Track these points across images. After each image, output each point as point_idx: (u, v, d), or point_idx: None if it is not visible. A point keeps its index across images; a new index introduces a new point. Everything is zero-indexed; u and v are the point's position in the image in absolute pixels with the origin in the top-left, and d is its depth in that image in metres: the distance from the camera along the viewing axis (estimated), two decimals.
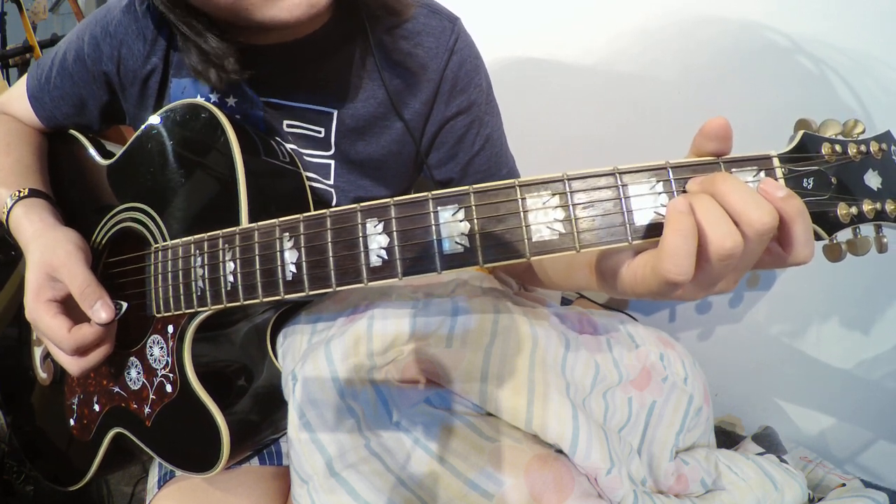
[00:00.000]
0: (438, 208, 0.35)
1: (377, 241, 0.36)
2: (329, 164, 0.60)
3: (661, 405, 0.60)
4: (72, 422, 0.61)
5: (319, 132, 0.59)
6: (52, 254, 0.50)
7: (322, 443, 0.52)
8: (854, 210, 0.33)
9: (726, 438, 0.97)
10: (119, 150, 0.61)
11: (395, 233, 0.36)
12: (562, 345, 0.58)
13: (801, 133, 0.34)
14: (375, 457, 0.51)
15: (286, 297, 0.41)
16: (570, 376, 0.56)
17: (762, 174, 0.32)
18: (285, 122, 0.58)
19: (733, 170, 0.32)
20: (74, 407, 0.61)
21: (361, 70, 0.57)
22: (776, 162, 0.32)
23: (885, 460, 0.91)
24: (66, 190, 0.64)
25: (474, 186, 0.34)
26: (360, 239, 0.37)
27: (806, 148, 0.33)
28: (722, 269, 0.30)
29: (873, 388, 0.90)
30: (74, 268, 0.49)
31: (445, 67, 0.58)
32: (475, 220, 0.34)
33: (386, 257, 0.36)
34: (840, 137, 0.34)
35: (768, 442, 0.79)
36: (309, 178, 0.59)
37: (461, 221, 0.34)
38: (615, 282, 0.37)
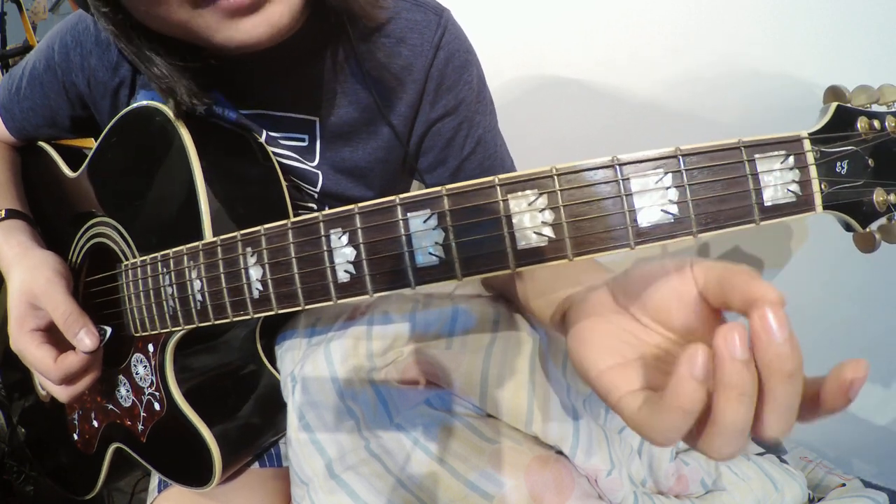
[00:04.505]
0: (408, 215, 0.30)
1: (343, 254, 0.32)
2: (315, 173, 0.57)
3: None
4: (75, 436, 0.61)
5: (303, 140, 0.56)
6: (32, 281, 0.49)
7: (322, 444, 0.53)
8: (892, 198, 0.29)
9: None
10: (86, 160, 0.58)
11: (361, 245, 0.32)
12: (563, 346, 0.58)
13: (833, 106, 0.29)
14: (375, 458, 0.51)
15: (256, 315, 0.38)
16: (570, 378, 0.56)
17: (791, 159, 0.27)
18: (266, 132, 0.56)
19: (756, 155, 0.27)
20: (76, 422, 0.60)
21: (343, 74, 0.54)
22: (807, 145, 0.28)
23: (885, 460, 0.91)
24: (39, 204, 0.61)
25: (448, 187, 0.30)
26: (325, 253, 0.33)
27: (839, 123, 0.28)
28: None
29: (873, 388, 0.90)
30: (56, 296, 0.48)
31: (431, 65, 0.54)
32: (450, 228, 0.30)
33: (354, 272, 0.32)
34: (875, 108, 0.29)
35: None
36: (295, 187, 0.57)
37: (434, 229, 0.30)
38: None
